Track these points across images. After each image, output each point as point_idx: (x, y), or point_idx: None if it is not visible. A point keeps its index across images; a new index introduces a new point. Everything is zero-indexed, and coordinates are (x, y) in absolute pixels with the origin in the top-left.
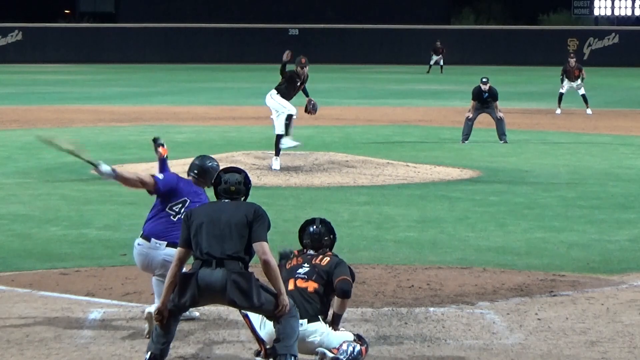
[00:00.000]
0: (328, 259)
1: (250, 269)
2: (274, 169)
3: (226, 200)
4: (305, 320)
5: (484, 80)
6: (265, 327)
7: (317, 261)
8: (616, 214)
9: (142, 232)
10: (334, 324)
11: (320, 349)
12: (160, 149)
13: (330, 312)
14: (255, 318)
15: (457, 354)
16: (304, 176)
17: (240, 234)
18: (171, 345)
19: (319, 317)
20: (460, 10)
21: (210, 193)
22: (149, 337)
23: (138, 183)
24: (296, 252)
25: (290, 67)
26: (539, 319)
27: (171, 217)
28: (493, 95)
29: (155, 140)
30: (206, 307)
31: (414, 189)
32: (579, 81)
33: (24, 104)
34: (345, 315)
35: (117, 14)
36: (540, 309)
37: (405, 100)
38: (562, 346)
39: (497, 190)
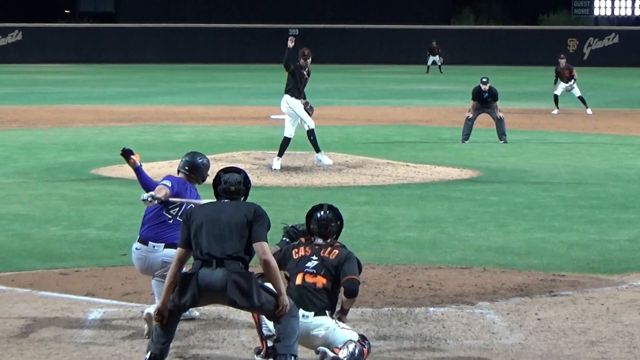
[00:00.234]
0: (337, 252)
1: (250, 269)
2: (274, 169)
3: (226, 200)
4: (312, 313)
5: (484, 80)
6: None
7: (326, 254)
8: (616, 214)
9: (139, 236)
10: (342, 313)
11: (321, 348)
12: (133, 157)
13: (339, 305)
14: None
15: (457, 354)
16: (304, 176)
17: (240, 234)
18: (171, 345)
19: (326, 311)
20: (460, 10)
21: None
22: (148, 337)
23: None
24: (303, 240)
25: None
26: (539, 319)
27: (167, 220)
28: (493, 95)
29: (125, 152)
30: (206, 307)
31: (414, 189)
32: (572, 82)
33: (24, 104)
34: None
35: (117, 14)
36: (540, 309)
37: (405, 100)
38: (562, 346)
39: (497, 190)
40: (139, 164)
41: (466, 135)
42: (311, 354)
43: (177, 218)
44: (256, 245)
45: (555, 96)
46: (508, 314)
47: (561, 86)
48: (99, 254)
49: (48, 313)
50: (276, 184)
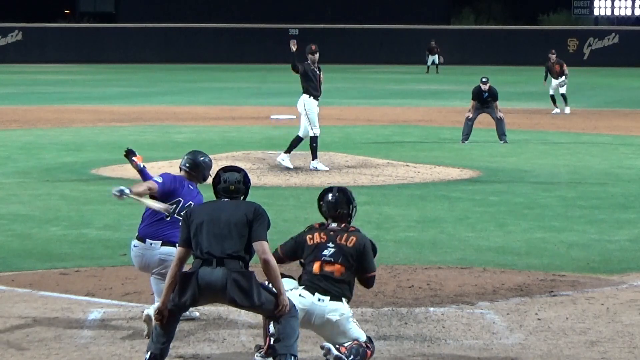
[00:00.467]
0: (354, 238)
1: (250, 269)
2: (285, 166)
3: (226, 200)
4: (328, 297)
5: (484, 80)
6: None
7: (342, 241)
8: (616, 214)
9: (137, 233)
10: None
11: (325, 344)
12: (135, 158)
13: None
14: None
15: (457, 354)
16: (304, 176)
17: (240, 233)
18: (171, 345)
19: (342, 299)
20: (460, 10)
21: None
22: (148, 338)
23: (147, 191)
24: (317, 225)
25: (301, 65)
26: (539, 319)
27: (165, 217)
28: (493, 95)
29: (127, 154)
30: (206, 307)
31: (414, 189)
32: (563, 78)
33: (24, 104)
34: None
35: (117, 14)
36: (540, 309)
37: (405, 100)
38: (562, 346)
39: (497, 190)
40: (142, 165)
41: (466, 135)
42: (311, 354)
43: (175, 215)
44: (256, 245)
45: (551, 96)
46: (508, 314)
47: (552, 84)
48: (99, 254)
49: (48, 313)
50: (276, 184)
